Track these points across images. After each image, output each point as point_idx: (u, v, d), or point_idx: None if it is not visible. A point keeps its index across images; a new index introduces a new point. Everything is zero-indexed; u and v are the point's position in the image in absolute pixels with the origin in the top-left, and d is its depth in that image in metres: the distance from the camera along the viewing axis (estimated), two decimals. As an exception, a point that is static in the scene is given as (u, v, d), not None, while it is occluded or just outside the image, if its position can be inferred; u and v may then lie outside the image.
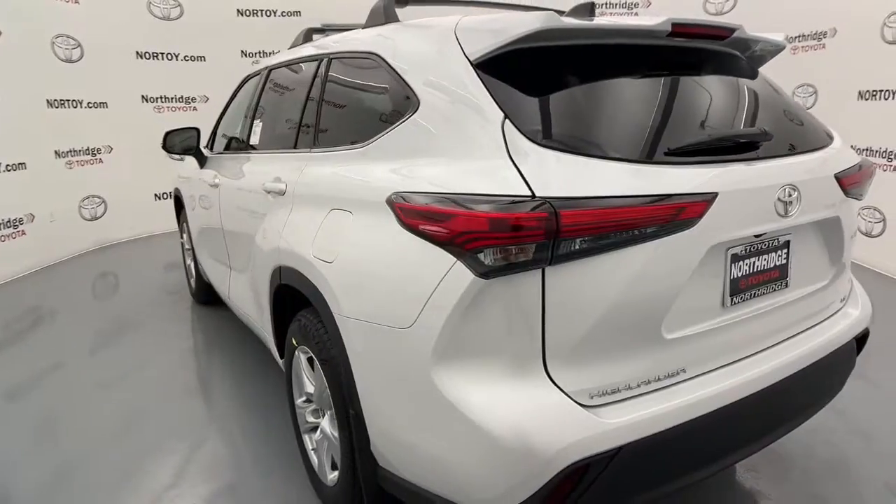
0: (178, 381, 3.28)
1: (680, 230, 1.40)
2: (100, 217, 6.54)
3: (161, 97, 6.89)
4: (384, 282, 1.58)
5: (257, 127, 2.88)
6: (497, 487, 1.40)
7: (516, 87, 1.52)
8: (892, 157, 4.65)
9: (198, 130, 3.66)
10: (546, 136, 1.43)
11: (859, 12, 5.01)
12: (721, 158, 1.54)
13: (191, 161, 4.05)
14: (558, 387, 1.40)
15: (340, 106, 2.15)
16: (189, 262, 4.55)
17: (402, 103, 1.74)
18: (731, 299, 1.61)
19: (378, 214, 1.64)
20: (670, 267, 1.43)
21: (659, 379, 1.51)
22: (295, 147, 2.37)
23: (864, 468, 2.38)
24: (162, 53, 6.81)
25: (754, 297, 1.67)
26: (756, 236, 1.61)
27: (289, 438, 2.66)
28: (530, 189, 1.33)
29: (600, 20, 1.62)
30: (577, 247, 1.33)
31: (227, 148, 3.49)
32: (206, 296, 4.33)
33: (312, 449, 2.30)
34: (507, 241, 1.32)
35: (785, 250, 1.73)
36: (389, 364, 1.58)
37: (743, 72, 1.91)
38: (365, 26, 2.20)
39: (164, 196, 7.07)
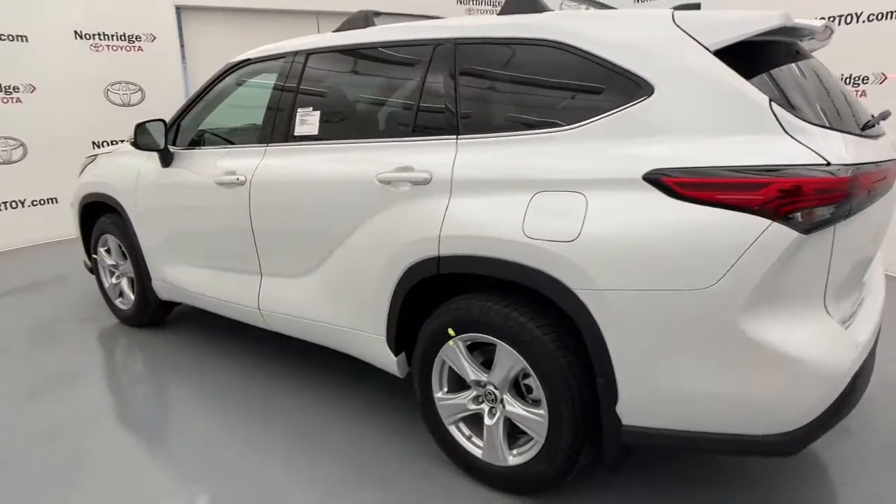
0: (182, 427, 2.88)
1: (889, 190, 1.81)
2: None
3: (-29, 86, 5.53)
4: (664, 250, 1.71)
5: (309, 116, 2.64)
6: (798, 408, 1.67)
7: (755, 72, 1.77)
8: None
9: (165, 123, 3.20)
10: (800, 113, 1.72)
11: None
12: (865, 134, 1.98)
13: (109, 162, 3.53)
14: (833, 318, 1.71)
15: (501, 91, 2.15)
16: (114, 280, 3.86)
17: (623, 88, 1.86)
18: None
19: (631, 189, 1.76)
20: (885, 218, 1.83)
21: (855, 312, 1.92)
22: (415, 134, 2.29)
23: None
24: (-32, 32, 5.46)
25: None
26: None
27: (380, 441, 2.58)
28: (824, 158, 1.61)
29: (796, 20, 1.92)
30: (856, 204, 1.65)
31: (216, 142, 3.11)
32: (152, 316, 3.76)
33: (467, 437, 2.29)
34: (819, 203, 1.58)
35: None
36: (673, 324, 1.72)
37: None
38: (503, 12, 2.23)
39: (13, 205, 5.82)
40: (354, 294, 2.49)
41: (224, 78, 3.14)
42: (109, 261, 3.85)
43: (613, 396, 1.86)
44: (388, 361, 2.47)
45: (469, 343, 2.19)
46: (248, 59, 3.04)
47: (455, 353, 2.21)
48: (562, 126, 1.95)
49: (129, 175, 3.46)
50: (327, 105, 2.66)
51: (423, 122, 2.30)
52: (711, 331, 1.69)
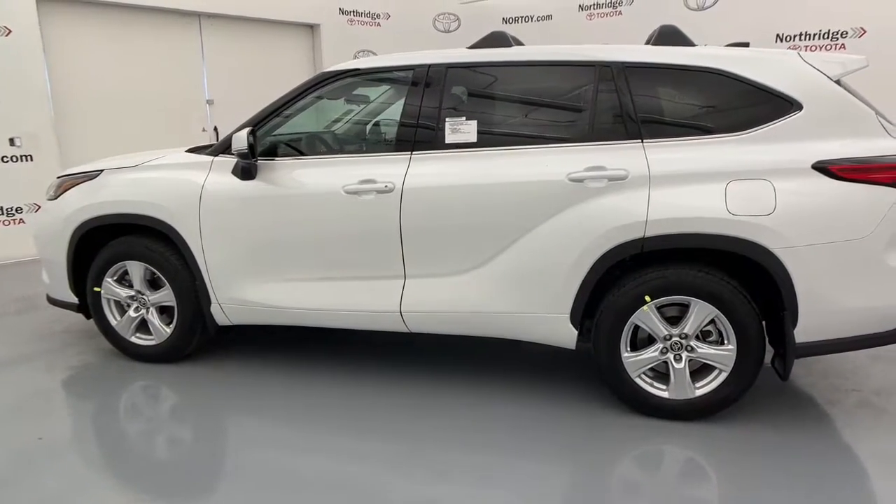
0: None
1: None
2: None
3: None
4: (833, 214, 2.49)
5: (463, 125, 2.84)
6: None
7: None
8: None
9: (254, 133, 3.03)
10: (886, 120, 2.67)
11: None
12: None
13: (142, 178, 3.23)
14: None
15: (676, 105, 2.73)
16: (132, 313, 3.36)
17: (775, 105, 2.60)
18: None
19: (804, 176, 2.52)
20: None
21: None
22: (595, 140, 2.73)
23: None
24: None
25: None
26: None
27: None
28: (918, 152, 2.57)
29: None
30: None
31: (315, 151, 3.05)
32: (196, 347, 3.40)
33: (650, 384, 2.80)
34: (926, 178, 2.54)
35: None
36: (840, 263, 2.51)
37: None
38: (657, 44, 2.81)
39: None
40: (540, 280, 2.80)
41: (320, 87, 3.09)
42: (125, 292, 3.35)
43: (794, 322, 2.60)
44: (567, 337, 2.85)
45: (658, 306, 2.73)
46: (358, 69, 3.07)
47: (649, 316, 2.72)
48: (738, 132, 2.63)
49: (185, 191, 3.12)
50: (487, 115, 2.91)
51: (600, 129, 2.76)
52: (867, 265, 2.54)
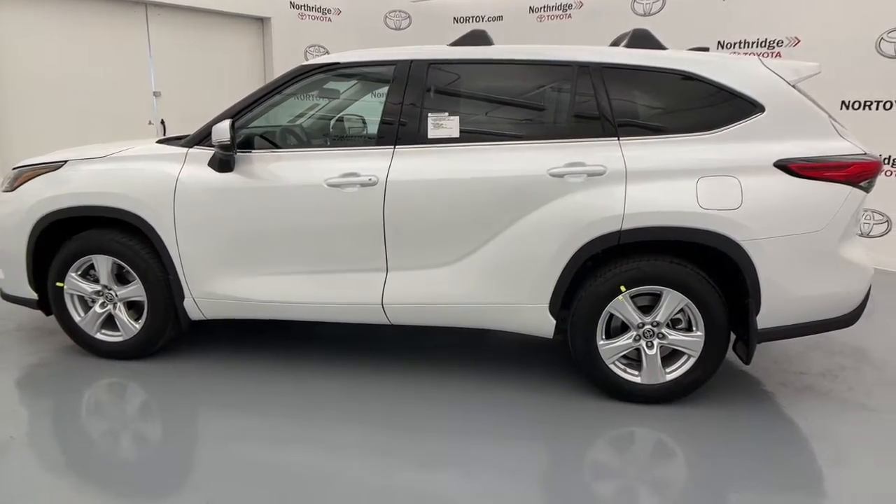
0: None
1: None
2: None
3: None
4: (793, 209, 2.70)
5: (445, 121, 2.88)
6: (859, 295, 2.86)
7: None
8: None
9: (233, 124, 2.97)
10: (837, 122, 2.90)
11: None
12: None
13: (111, 169, 3.13)
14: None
15: (649, 105, 2.86)
16: (98, 309, 3.23)
17: (740, 107, 2.79)
18: None
19: (767, 173, 2.72)
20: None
21: None
22: (573, 136, 2.85)
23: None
24: None
25: None
26: None
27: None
28: (862, 150, 2.81)
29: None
30: (871, 175, 2.90)
31: (290, 144, 3.03)
32: (166, 342, 3.31)
33: (623, 370, 2.96)
34: (872, 176, 2.77)
35: None
36: (799, 254, 2.72)
37: None
38: (630, 46, 2.95)
39: None
40: (521, 272, 2.89)
41: (300, 80, 3.06)
42: (90, 287, 3.22)
43: (758, 309, 2.80)
44: (545, 326, 2.96)
45: (637, 294, 2.87)
46: (338, 63, 3.06)
47: (624, 305, 2.86)
48: (707, 131, 2.81)
49: (159, 183, 3.03)
50: (469, 111, 2.97)
51: (578, 126, 2.89)
52: (822, 256, 2.76)
